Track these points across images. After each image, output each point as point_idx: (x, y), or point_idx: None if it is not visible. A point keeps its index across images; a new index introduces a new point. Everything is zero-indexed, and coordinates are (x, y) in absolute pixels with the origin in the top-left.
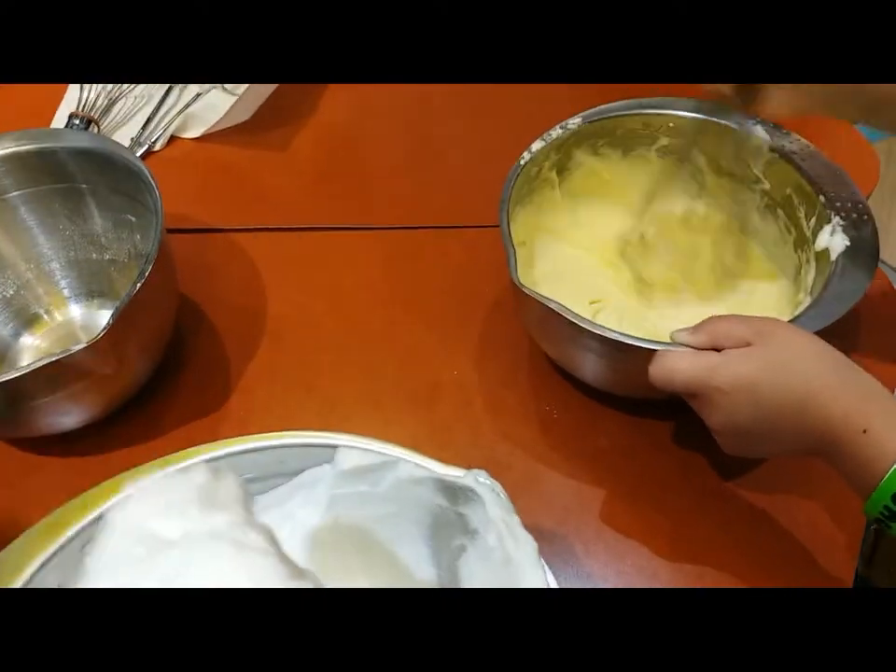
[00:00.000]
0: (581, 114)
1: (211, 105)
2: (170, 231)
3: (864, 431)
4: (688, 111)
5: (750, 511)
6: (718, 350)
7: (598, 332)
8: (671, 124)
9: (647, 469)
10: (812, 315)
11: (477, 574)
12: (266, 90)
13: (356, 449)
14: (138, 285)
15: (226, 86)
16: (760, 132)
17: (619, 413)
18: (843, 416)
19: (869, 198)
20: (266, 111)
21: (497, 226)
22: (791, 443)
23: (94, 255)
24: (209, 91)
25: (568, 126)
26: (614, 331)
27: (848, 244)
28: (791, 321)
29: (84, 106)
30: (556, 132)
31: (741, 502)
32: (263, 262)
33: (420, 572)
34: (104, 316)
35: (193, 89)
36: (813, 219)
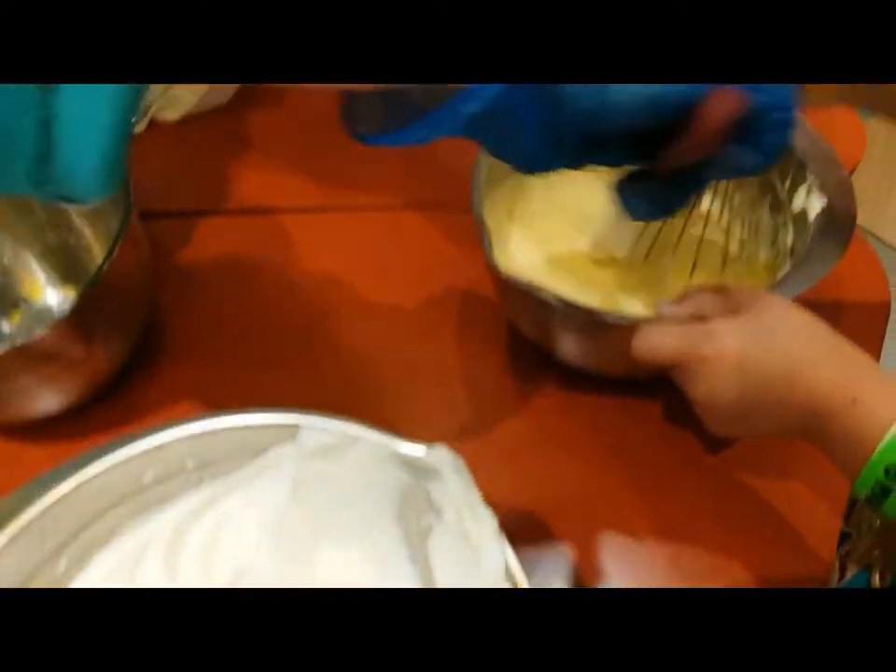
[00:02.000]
0: None
1: (189, 88)
2: (154, 214)
3: (853, 401)
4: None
5: (732, 487)
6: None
7: (580, 308)
8: None
9: (626, 446)
10: (794, 278)
11: (444, 552)
12: None
13: (317, 429)
14: (103, 267)
15: None
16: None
17: (599, 392)
18: (831, 387)
19: (855, 170)
20: (244, 94)
21: None
22: (777, 418)
23: (71, 240)
24: None
25: None
26: (596, 309)
27: (825, 204)
28: (773, 285)
29: None
30: None
31: (722, 477)
32: (245, 245)
33: (392, 552)
34: None
35: None
36: (788, 180)
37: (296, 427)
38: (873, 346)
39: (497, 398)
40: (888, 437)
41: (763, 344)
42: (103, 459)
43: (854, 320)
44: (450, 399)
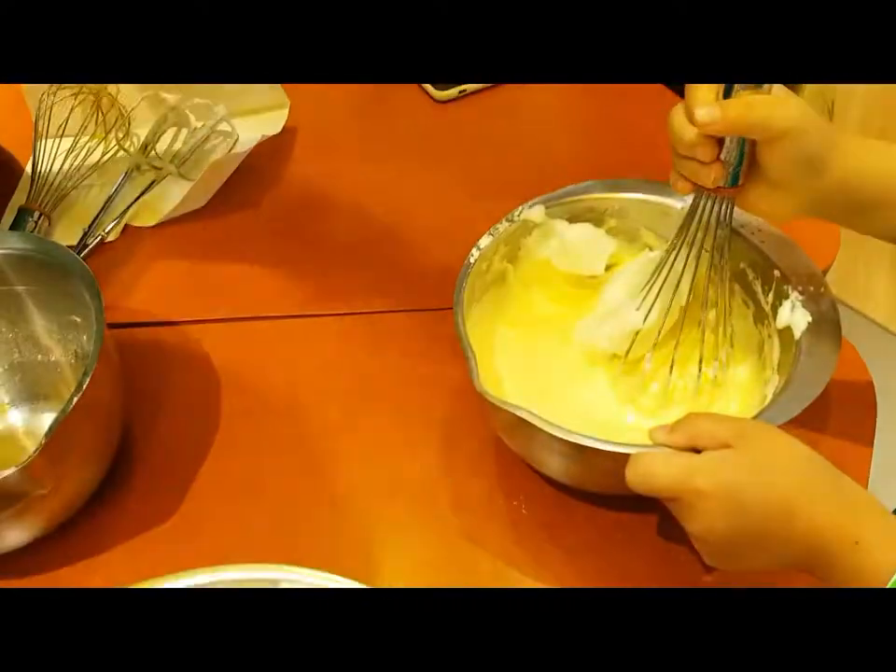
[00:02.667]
0: (527, 203)
1: (166, 192)
2: (122, 325)
3: (857, 543)
4: (634, 192)
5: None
6: (697, 451)
7: (570, 439)
8: (616, 206)
9: (620, 569)
10: (785, 402)
11: None
12: (221, 176)
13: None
14: (74, 399)
15: (181, 172)
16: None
17: (590, 507)
18: (833, 526)
19: (833, 263)
20: (221, 196)
21: None
22: (778, 554)
23: (39, 357)
24: (164, 177)
25: (514, 218)
26: (586, 436)
27: (810, 320)
28: (764, 409)
29: (36, 199)
30: (503, 225)
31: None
32: (219, 355)
33: None
34: (47, 420)
35: (149, 176)
36: (770, 294)
37: (275, 581)
38: (864, 442)
39: (485, 515)
40: (892, 582)
41: (762, 479)
42: None
43: (839, 417)
44: (436, 519)
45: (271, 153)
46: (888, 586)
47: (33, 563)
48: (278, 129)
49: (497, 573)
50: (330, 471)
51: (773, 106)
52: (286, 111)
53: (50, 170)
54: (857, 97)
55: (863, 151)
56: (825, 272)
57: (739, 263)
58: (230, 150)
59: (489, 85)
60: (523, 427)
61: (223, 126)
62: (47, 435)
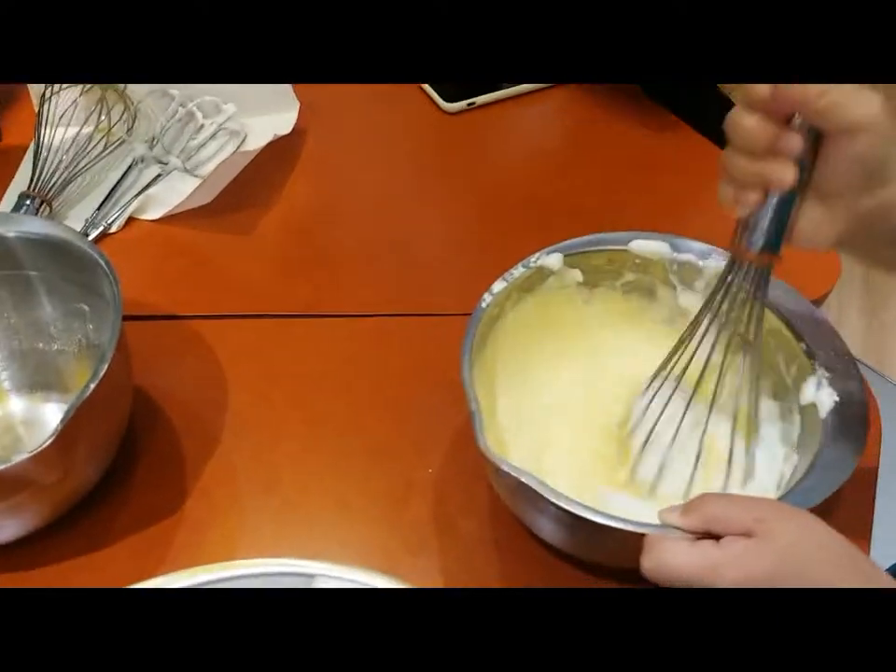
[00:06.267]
0: (544, 249)
1: (172, 187)
2: (125, 318)
3: None
4: (657, 244)
5: None
6: (713, 536)
7: (578, 513)
8: (637, 260)
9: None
10: (809, 486)
11: None
12: (230, 172)
13: (333, 580)
14: (91, 386)
15: (188, 167)
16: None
17: (588, 577)
18: None
19: (829, 294)
20: (229, 194)
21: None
22: None
23: (41, 345)
24: (170, 172)
25: (530, 264)
26: (596, 511)
27: (837, 400)
28: (787, 493)
29: (36, 186)
30: (518, 270)
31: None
32: (224, 351)
33: None
34: (48, 410)
35: (154, 170)
36: (794, 367)
37: (310, 576)
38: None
39: (495, 519)
40: None
41: (789, 575)
42: None
43: None
44: (448, 523)
45: (280, 154)
46: None
47: (29, 556)
48: (288, 129)
49: (508, 574)
50: (338, 471)
51: (850, 93)
52: (295, 112)
53: (53, 158)
54: None
55: None
56: (817, 303)
57: (761, 332)
58: (237, 148)
59: (498, 98)
60: (526, 493)
61: (232, 125)
62: (62, 422)
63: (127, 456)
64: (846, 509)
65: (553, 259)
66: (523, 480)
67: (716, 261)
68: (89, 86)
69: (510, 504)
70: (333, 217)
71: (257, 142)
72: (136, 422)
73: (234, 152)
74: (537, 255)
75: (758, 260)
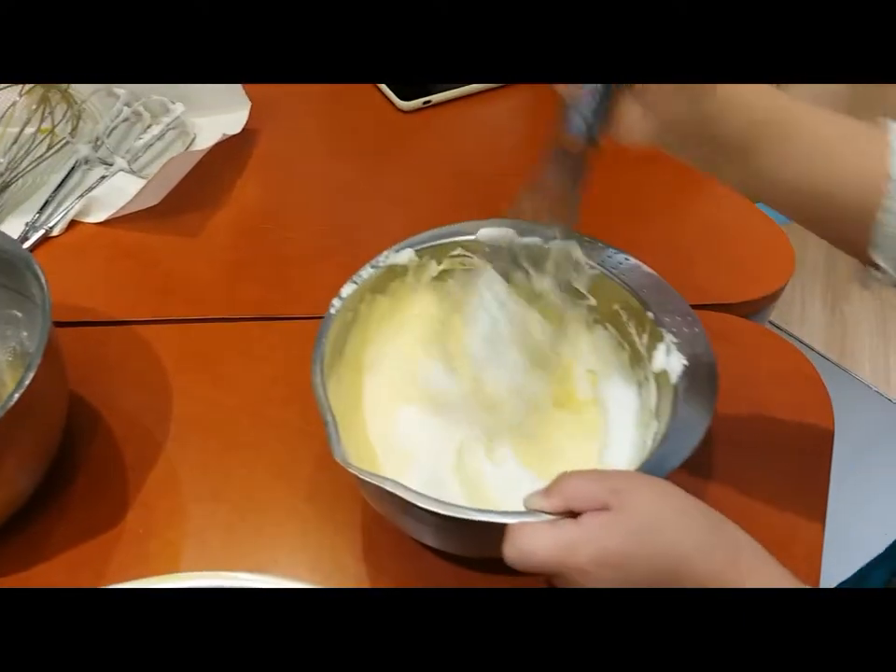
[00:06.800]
0: (393, 246)
1: (117, 189)
2: (66, 324)
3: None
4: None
5: None
6: (574, 513)
7: (439, 511)
8: (486, 248)
9: None
10: (665, 452)
11: None
12: (177, 173)
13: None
14: (15, 396)
15: (133, 168)
16: (576, 247)
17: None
18: (718, 581)
19: (784, 288)
20: (177, 195)
21: None
22: None
23: None
24: (115, 173)
25: (379, 264)
26: (458, 506)
27: (686, 363)
28: (644, 462)
29: None
30: (367, 271)
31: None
32: (169, 357)
33: None
34: None
35: (98, 171)
36: (645, 336)
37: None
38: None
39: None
40: None
41: (645, 541)
42: None
43: (796, 428)
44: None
45: (229, 153)
46: None
47: None
48: (238, 129)
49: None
50: (289, 477)
51: None
52: (246, 112)
53: None
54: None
55: (751, 86)
56: (775, 296)
57: (612, 305)
58: (186, 148)
59: (454, 97)
60: (387, 498)
61: (180, 125)
62: None
63: (64, 467)
64: (799, 509)
65: (403, 256)
66: (383, 486)
67: (561, 243)
68: (30, 85)
69: (379, 510)
70: (284, 218)
71: (205, 142)
72: (74, 431)
73: (183, 151)
74: (386, 253)
75: (575, 146)
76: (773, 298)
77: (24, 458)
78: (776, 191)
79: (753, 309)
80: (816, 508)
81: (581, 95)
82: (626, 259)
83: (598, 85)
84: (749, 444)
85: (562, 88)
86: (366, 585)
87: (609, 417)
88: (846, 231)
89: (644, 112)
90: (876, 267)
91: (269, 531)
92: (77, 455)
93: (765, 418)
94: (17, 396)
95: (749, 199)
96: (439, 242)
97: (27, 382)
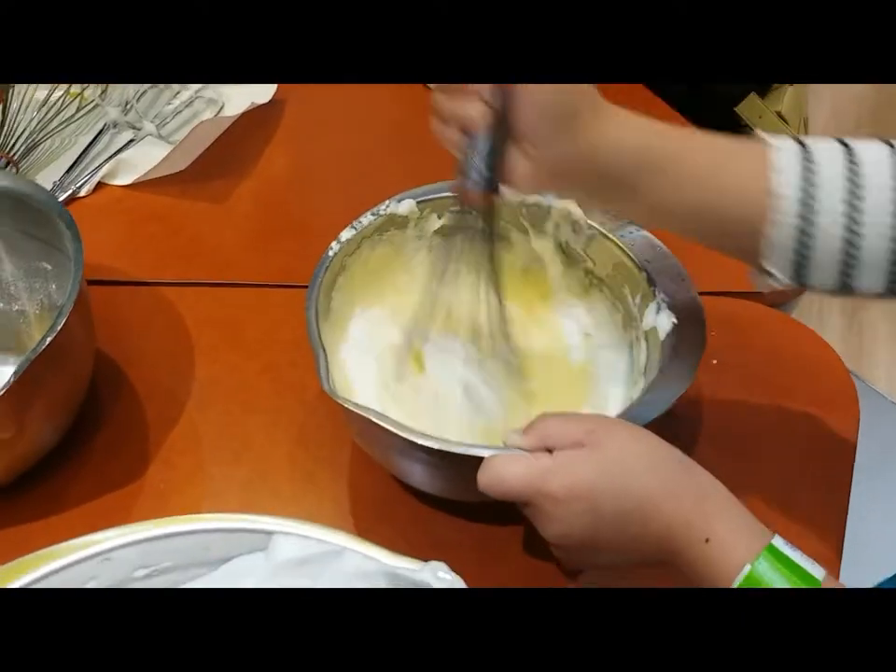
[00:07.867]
0: (395, 196)
1: (145, 153)
2: (92, 282)
3: (707, 541)
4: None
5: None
6: (551, 451)
7: (423, 443)
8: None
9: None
10: (643, 404)
11: None
12: (205, 140)
13: (293, 536)
14: (48, 339)
15: (162, 133)
16: (576, 206)
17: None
18: (684, 522)
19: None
20: (204, 162)
21: None
22: (633, 551)
23: (1, 305)
24: (143, 137)
25: (380, 212)
26: (439, 439)
27: (675, 321)
28: (625, 410)
29: (3, 145)
30: (367, 218)
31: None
32: (192, 319)
33: None
34: (6, 372)
35: (127, 135)
36: (638, 297)
37: (268, 533)
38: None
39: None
40: (740, 577)
41: (615, 477)
42: (40, 568)
43: (806, 397)
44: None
45: (257, 122)
46: (734, 586)
47: None
48: (267, 98)
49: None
50: (306, 439)
51: None
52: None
53: (22, 118)
54: (825, 109)
55: (624, 123)
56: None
57: (608, 266)
58: (215, 116)
59: None
60: (374, 430)
61: (209, 92)
62: (15, 374)
63: (88, 422)
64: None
65: (404, 206)
66: (369, 416)
67: (563, 202)
68: None
69: (362, 445)
70: (309, 188)
71: (234, 110)
72: (99, 388)
73: (212, 118)
74: (387, 201)
75: (478, 200)
76: (799, 290)
77: (52, 405)
78: (673, 220)
79: (782, 299)
80: (836, 505)
81: (469, 150)
82: (637, 229)
83: (483, 133)
84: (769, 431)
85: (451, 146)
86: (383, 550)
87: (599, 381)
88: (741, 244)
89: (527, 158)
90: (769, 274)
91: (286, 493)
92: (100, 411)
93: (788, 408)
94: (49, 340)
95: (658, 229)
96: (441, 195)
97: (59, 327)
